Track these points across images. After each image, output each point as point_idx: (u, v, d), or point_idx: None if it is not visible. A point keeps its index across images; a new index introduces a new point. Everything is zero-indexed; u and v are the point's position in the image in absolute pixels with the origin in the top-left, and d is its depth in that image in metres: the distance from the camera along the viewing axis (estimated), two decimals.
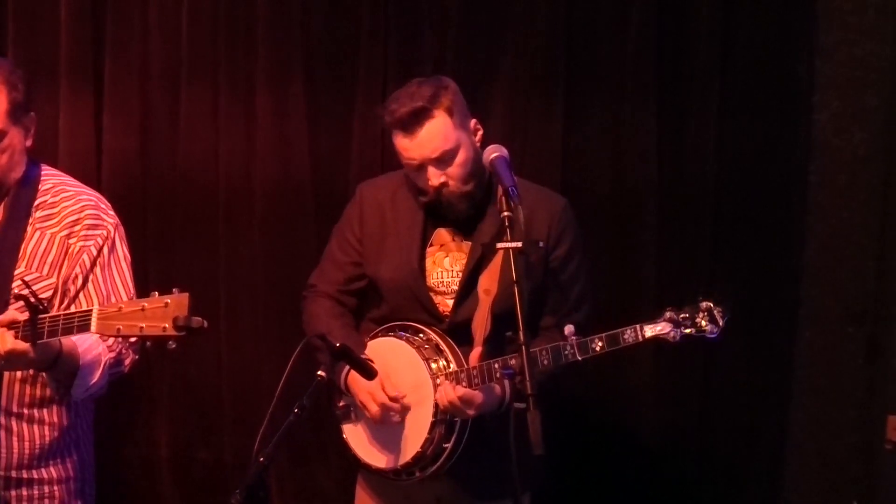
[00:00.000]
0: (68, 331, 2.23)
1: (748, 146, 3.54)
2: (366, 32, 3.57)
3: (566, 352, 2.58)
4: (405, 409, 2.72)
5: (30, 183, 2.54)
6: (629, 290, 3.53)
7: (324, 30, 3.60)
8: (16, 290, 2.41)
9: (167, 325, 2.14)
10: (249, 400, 3.63)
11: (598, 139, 3.58)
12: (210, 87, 3.60)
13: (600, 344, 2.56)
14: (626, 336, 2.56)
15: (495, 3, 3.56)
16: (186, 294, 2.16)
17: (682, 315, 2.55)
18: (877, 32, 3.39)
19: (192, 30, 3.59)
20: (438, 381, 2.68)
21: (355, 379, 2.70)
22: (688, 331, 2.54)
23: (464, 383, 2.65)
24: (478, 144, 2.76)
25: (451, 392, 2.62)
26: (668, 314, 2.55)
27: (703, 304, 2.54)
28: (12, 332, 2.24)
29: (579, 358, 2.57)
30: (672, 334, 2.55)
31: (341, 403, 2.82)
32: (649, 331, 2.55)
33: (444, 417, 2.68)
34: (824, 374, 3.51)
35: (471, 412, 2.64)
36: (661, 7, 3.52)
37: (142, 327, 2.16)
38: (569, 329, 2.56)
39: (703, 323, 2.54)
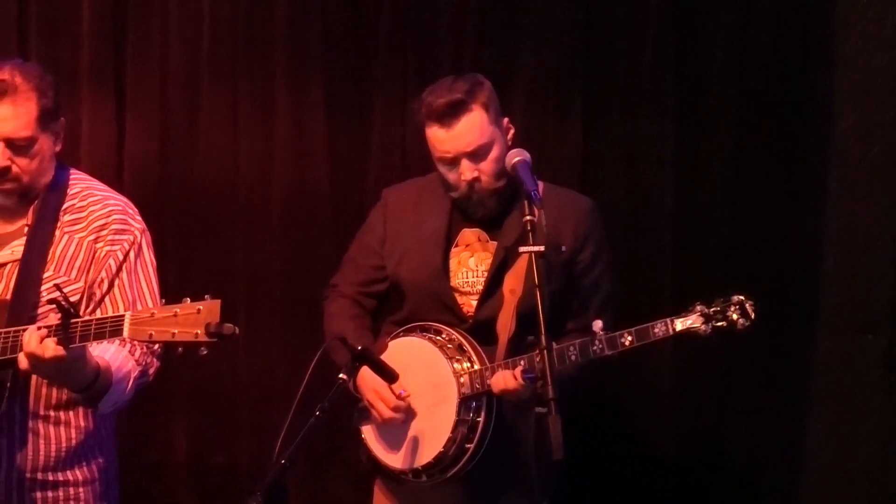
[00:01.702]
0: (100, 335, 2.22)
1: (766, 154, 3.54)
2: (384, 38, 3.59)
3: (595, 347, 2.56)
4: (417, 409, 2.72)
5: (58, 187, 2.54)
6: (644, 298, 3.52)
7: (343, 35, 3.61)
8: (45, 294, 2.43)
9: (199, 332, 2.14)
10: (266, 405, 3.63)
11: (615, 146, 3.59)
12: (230, 92, 3.62)
13: (629, 338, 2.54)
14: (656, 330, 2.53)
15: (513, 9, 3.57)
16: (218, 301, 2.15)
17: (713, 308, 2.52)
18: None
19: (213, 35, 3.61)
20: (462, 379, 2.68)
21: (363, 379, 2.71)
22: (720, 324, 2.51)
23: (489, 381, 2.65)
24: (509, 143, 2.76)
25: (512, 380, 2.58)
26: (698, 307, 2.52)
27: (735, 298, 2.51)
28: (52, 338, 2.23)
29: (608, 353, 2.55)
30: (703, 328, 2.51)
31: (360, 404, 2.82)
32: (680, 324, 2.52)
33: (467, 417, 2.67)
34: (842, 382, 3.50)
35: (526, 395, 2.59)
36: (679, 14, 3.53)
37: (174, 333, 2.16)
38: (597, 324, 2.55)
39: (735, 316, 2.50)
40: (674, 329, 2.52)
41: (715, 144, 3.55)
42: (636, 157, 3.57)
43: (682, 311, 2.54)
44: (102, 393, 2.38)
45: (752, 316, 2.51)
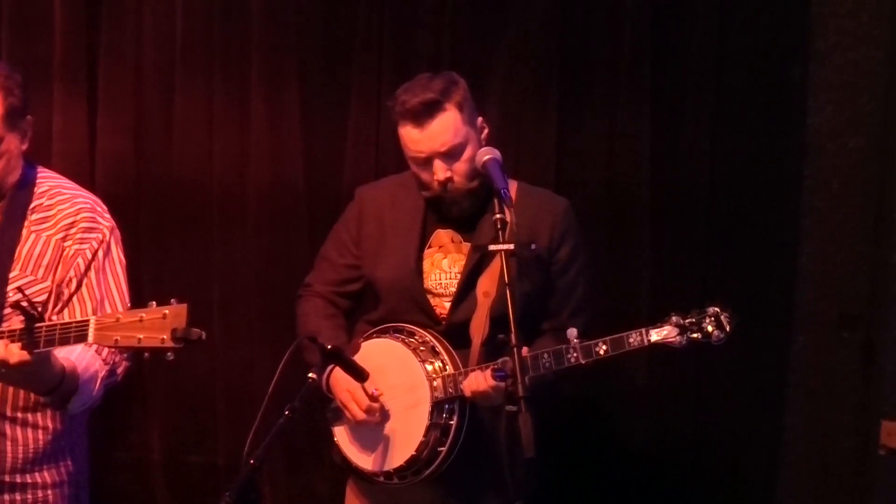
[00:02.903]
0: (65, 340, 2.20)
1: (742, 150, 3.55)
2: (360, 36, 3.57)
3: (569, 355, 2.55)
4: (389, 411, 2.71)
5: (26, 186, 2.51)
6: (623, 295, 3.53)
7: (318, 33, 3.60)
8: (11, 295, 2.40)
9: (165, 337, 2.11)
10: (242, 402, 3.62)
11: (591, 143, 3.58)
12: (204, 89, 3.60)
13: (604, 348, 2.53)
14: (630, 340, 2.52)
15: (490, 5, 3.56)
16: (185, 305, 2.13)
17: (688, 320, 2.51)
18: (871, 37, 3.40)
19: (186, 31, 3.59)
20: (435, 382, 2.67)
21: (336, 379, 2.70)
22: (694, 335, 2.51)
23: (461, 386, 2.64)
24: (483, 143, 2.74)
25: (484, 382, 2.57)
26: (673, 318, 2.52)
27: (711, 310, 2.51)
28: (17, 343, 2.20)
29: (583, 361, 2.54)
30: (678, 339, 2.51)
31: (333, 405, 2.80)
32: (655, 335, 2.52)
33: (440, 421, 2.66)
34: (819, 378, 3.52)
35: (498, 401, 2.58)
36: (657, 11, 3.52)
37: (140, 338, 2.13)
38: (572, 332, 2.54)
39: (710, 328, 2.50)
40: (649, 340, 2.52)
41: (691, 140, 3.55)
42: (613, 153, 3.57)
43: (658, 321, 2.53)
44: (70, 395, 2.36)
45: (728, 328, 2.51)
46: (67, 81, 3.56)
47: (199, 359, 3.61)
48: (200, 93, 3.60)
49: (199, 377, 3.65)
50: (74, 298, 2.49)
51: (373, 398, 2.68)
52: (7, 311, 2.40)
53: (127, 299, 2.55)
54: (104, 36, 3.59)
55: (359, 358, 2.62)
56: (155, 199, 3.64)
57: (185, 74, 3.60)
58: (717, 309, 2.51)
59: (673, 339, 2.51)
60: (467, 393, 2.62)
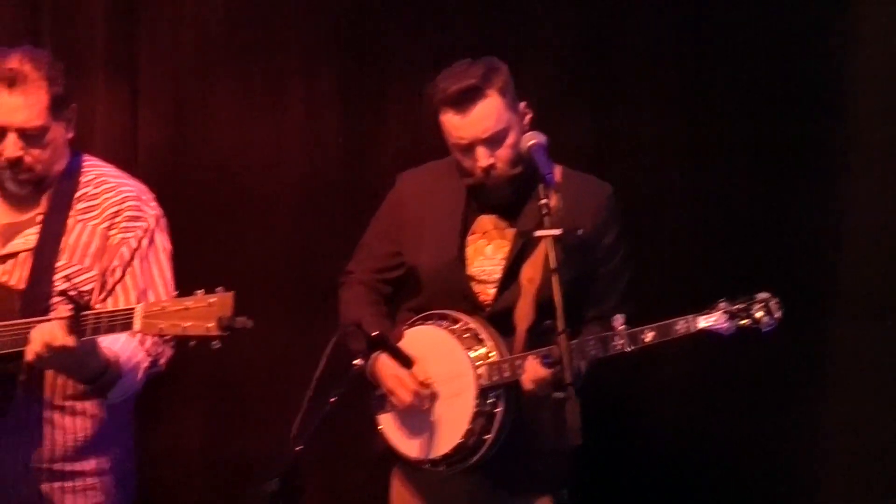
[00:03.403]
0: (111, 329, 2.20)
1: (783, 137, 3.50)
2: (398, 23, 3.57)
3: (615, 342, 2.53)
4: (434, 397, 2.70)
5: (71, 175, 2.53)
6: (660, 284, 3.49)
7: (357, 21, 3.59)
8: (58, 284, 2.41)
9: (211, 325, 2.12)
10: (280, 392, 3.61)
11: (626, 132, 3.55)
12: (243, 78, 3.60)
13: (651, 335, 2.52)
14: (677, 327, 2.50)
15: None
16: (231, 293, 2.13)
17: (736, 306, 2.49)
18: None
19: (226, 21, 3.59)
20: (480, 370, 2.66)
21: (382, 365, 2.69)
22: (743, 322, 2.48)
23: (507, 373, 2.63)
24: (526, 128, 2.71)
25: (542, 369, 2.55)
26: (721, 305, 2.49)
27: (760, 296, 2.49)
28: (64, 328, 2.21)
29: (629, 349, 2.52)
30: (726, 326, 2.48)
31: (378, 392, 2.80)
32: (702, 322, 2.49)
33: (486, 408, 2.65)
34: (859, 369, 3.47)
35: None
36: None
37: (185, 327, 2.14)
38: (618, 319, 2.52)
39: (760, 315, 2.48)
40: (696, 327, 2.50)
41: (729, 126, 3.51)
42: (648, 144, 3.54)
43: (699, 308, 2.51)
44: (111, 384, 2.37)
45: (777, 315, 2.48)
46: (110, 70, 3.57)
47: (237, 347, 3.59)
48: (239, 81, 3.60)
49: (237, 366, 3.64)
50: (118, 287, 2.50)
51: (422, 384, 2.67)
52: (55, 299, 2.41)
53: (172, 288, 2.55)
54: (145, 25, 3.59)
55: (403, 346, 2.61)
56: (193, 188, 3.64)
57: (225, 63, 3.60)
58: (766, 295, 2.49)
59: (721, 326, 2.49)
60: (527, 384, 2.60)
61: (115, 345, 2.36)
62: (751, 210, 3.51)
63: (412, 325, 2.80)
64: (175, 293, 2.28)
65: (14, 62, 2.42)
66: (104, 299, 2.49)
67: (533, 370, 2.57)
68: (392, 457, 2.84)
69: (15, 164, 2.43)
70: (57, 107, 2.46)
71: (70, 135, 2.53)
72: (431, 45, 3.56)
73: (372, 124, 3.61)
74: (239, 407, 3.71)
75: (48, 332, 2.21)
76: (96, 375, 2.33)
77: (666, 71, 3.51)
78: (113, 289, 2.50)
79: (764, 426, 3.53)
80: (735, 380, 3.53)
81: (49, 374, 2.46)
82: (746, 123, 3.51)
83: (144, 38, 3.59)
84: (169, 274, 2.58)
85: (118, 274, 2.50)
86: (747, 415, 3.54)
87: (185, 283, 2.57)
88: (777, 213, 3.51)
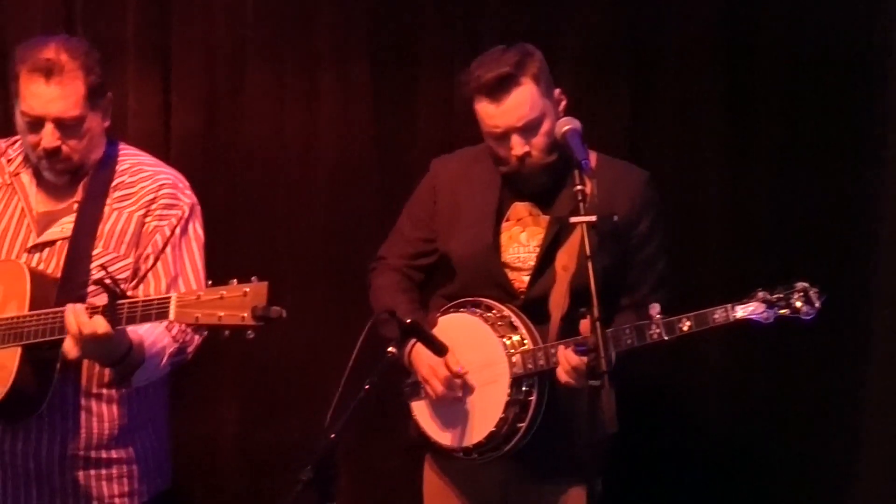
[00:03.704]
0: (147, 318, 2.21)
1: (823, 121, 3.43)
2: (431, 10, 3.54)
3: (651, 331, 2.51)
4: (468, 386, 2.69)
5: (108, 163, 2.55)
6: (693, 277, 3.45)
7: (388, 7, 3.57)
8: (94, 272, 2.43)
9: (246, 315, 2.12)
10: (314, 378, 3.63)
11: (663, 117, 3.51)
12: (275, 64, 3.59)
13: (688, 324, 2.49)
14: (715, 316, 2.47)
15: None
16: (265, 283, 2.14)
17: (775, 295, 2.45)
18: None
19: (258, 9, 3.58)
20: (514, 358, 2.65)
21: (418, 354, 2.68)
22: (782, 311, 2.45)
23: (541, 361, 2.61)
24: (561, 115, 2.69)
25: (575, 357, 2.54)
26: (760, 294, 2.46)
27: (799, 285, 2.45)
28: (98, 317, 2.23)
29: (665, 338, 2.50)
30: (765, 315, 2.45)
31: (411, 380, 2.80)
32: (740, 311, 2.47)
33: (519, 396, 2.64)
34: None
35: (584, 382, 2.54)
36: None
37: (220, 316, 2.14)
38: (654, 308, 2.49)
39: (799, 304, 2.44)
40: (734, 316, 2.47)
41: (769, 110, 3.46)
42: (685, 129, 3.49)
43: (736, 297, 2.48)
44: (135, 367, 2.38)
45: (817, 304, 2.45)
46: (141, 58, 3.58)
47: (270, 334, 3.60)
48: (271, 69, 3.59)
49: (271, 352, 3.66)
50: (149, 274, 2.52)
51: (457, 375, 2.66)
52: (91, 288, 2.42)
53: (203, 277, 2.57)
54: (176, 13, 3.60)
55: (436, 333, 2.60)
56: (226, 175, 3.65)
57: (256, 51, 3.59)
58: (805, 284, 2.45)
59: (759, 315, 2.46)
60: (562, 376, 2.58)
61: (139, 328, 2.36)
62: (790, 198, 3.44)
63: (445, 312, 2.79)
64: (208, 282, 2.29)
65: (50, 52, 2.43)
66: (136, 286, 2.51)
67: (566, 360, 2.56)
68: (424, 444, 2.83)
69: (52, 153, 2.45)
70: (93, 96, 2.47)
71: (106, 124, 2.55)
72: (464, 32, 3.53)
73: (404, 111, 3.59)
74: (273, 394, 3.72)
75: (84, 322, 2.22)
76: (119, 358, 2.34)
77: (704, 55, 3.45)
78: (145, 276, 2.52)
79: (804, 419, 3.47)
80: (774, 369, 3.48)
81: (85, 361, 2.47)
82: (784, 104, 3.44)
83: (176, 27, 3.60)
84: (200, 263, 2.59)
85: (150, 261, 2.52)
86: (787, 405, 3.49)
87: (217, 271, 2.58)
88: (816, 202, 3.43)
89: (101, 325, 2.21)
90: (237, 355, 3.68)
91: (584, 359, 2.48)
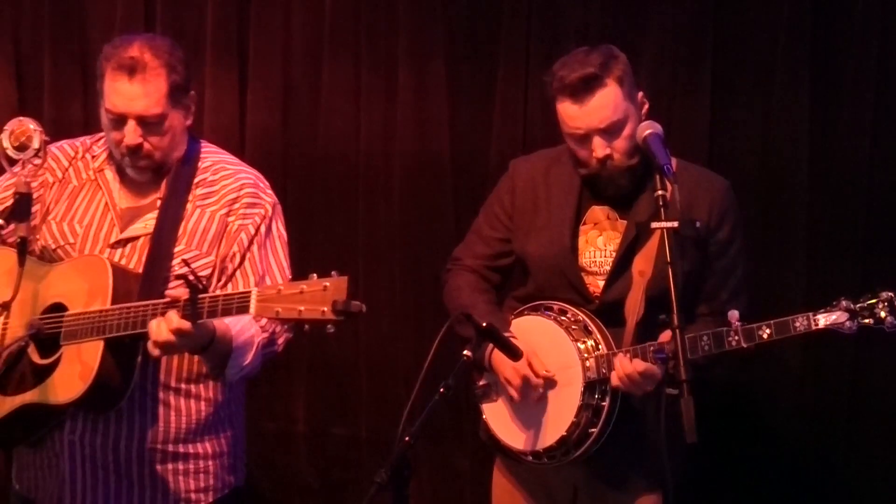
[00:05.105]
0: (227, 312, 2.22)
1: None
2: (508, 9, 3.53)
3: (730, 338, 2.46)
4: (549, 389, 2.67)
5: (190, 161, 2.56)
6: (777, 277, 3.39)
7: (466, 6, 3.57)
8: (176, 269, 2.45)
9: (326, 309, 2.11)
10: (385, 376, 3.65)
11: (746, 118, 3.44)
12: (351, 63, 3.62)
13: (768, 331, 2.44)
14: (797, 324, 2.42)
15: None
16: (345, 277, 2.12)
17: (859, 304, 2.39)
18: None
19: (335, 6, 3.61)
20: (588, 362, 2.62)
21: (500, 356, 2.65)
22: (866, 321, 2.38)
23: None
24: (643, 119, 2.66)
25: (630, 365, 2.52)
26: (843, 303, 2.40)
27: (884, 294, 2.38)
28: (175, 310, 2.25)
29: (745, 345, 2.45)
30: (848, 325, 2.39)
31: (482, 382, 2.78)
32: (823, 320, 2.41)
33: (592, 401, 2.62)
34: None
35: (650, 388, 2.53)
36: None
37: (301, 310, 2.13)
38: (734, 314, 2.45)
39: (884, 314, 2.37)
40: (816, 324, 2.41)
41: (852, 112, 3.37)
42: (768, 128, 3.42)
43: (816, 305, 2.42)
44: (224, 357, 2.39)
45: None
46: (219, 56, 3.62)
47: (343, 331, 3.61)
48: (347, 66, 3.62)
49: (342, 349, 3.69)
50: (237, 273, 2.54)
51: (541, 377, 2.63)
52: (172, 283, 2.45)
53: (288, 274, 2.58)
54: (254, 10, 3.64)
55: (509, 335, 2.59)
56: (302, 173, 3.69)
57: (333, 48, 3.62)
58: (891, 293, 2.39)
59: (842, 325, 2.40)
60: (615, 381, 2.56)
61: (225, 318, 2.35)
62: (876, 205, 3.35)
63: (519, 314, 2.78)
64: (290, 279, 2.28)
65: (134, 50, 2.45)
66: (224, 285, 2.53)
67: (620, 367, 2.54)
68: (495, 447, 2.82)
69: (134, 150, 2.47)
70: (175, 94, 2.49)
71: (189, 121, 2.57)
72: (542, 29, 3.51)
73: (480, 108, 3.58)
74: (344, 392, 3.74)
75: (166, 317, 2.24)
76: (204, 344, 2.34)
77: (787, 59, 3.38)
78: (233, 274, 2.54)
79: (884, 430, 3.39)
80: (854, 377, 3.40)
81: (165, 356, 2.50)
82: (868, 107, 3.34)
83: (254, 23, 3.64)
84: (286, 261, 2.61)
85: (237, 260, 2.53)
86: (866, 415, 3.40)
87: (294, 267, 2.60)
88: None
89: (174, 319, 2.23)
90: (307, 352, 3.70)
91: (639, 368, 2.47)
